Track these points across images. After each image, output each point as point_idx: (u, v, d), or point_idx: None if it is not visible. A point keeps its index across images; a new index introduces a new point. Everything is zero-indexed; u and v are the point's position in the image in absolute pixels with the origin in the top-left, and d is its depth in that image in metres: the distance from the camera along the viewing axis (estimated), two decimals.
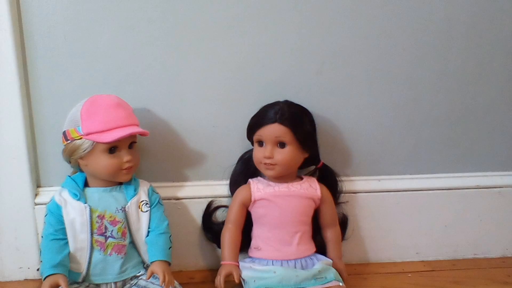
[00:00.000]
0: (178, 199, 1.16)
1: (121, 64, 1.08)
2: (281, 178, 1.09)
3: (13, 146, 1.07)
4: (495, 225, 1.27)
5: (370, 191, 1.21)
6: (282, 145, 1.05)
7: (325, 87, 1.15)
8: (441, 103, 1.19)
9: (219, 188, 1.17)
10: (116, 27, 1.06)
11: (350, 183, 1.20)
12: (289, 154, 1.05)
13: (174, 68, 1.10)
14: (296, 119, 1.04)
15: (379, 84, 1.16)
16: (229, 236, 1.08)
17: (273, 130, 1.04)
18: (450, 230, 1.26)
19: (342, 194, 1.17)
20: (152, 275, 0.98)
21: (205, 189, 1.17)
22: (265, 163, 1.06)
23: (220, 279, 1.02)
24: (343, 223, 1.18)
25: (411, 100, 1.18)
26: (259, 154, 1.06)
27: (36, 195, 1.12)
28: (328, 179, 1.14)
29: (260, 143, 1.07)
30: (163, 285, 0.95)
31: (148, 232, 1.04)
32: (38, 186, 1.13)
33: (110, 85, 1.08)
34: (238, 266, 1.05)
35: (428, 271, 1.23)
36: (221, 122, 1.13)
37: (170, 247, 1.03)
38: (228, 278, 1.04)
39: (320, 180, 1.13)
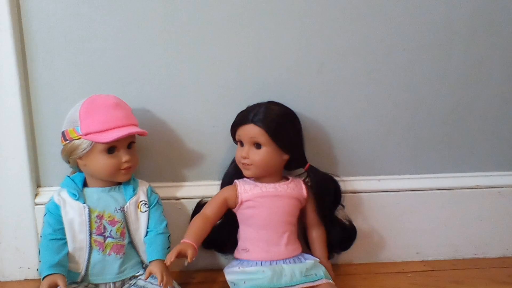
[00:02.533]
0: (177, 199, 1.16)
1: (121, 64, 1.08)
2: (266, 178, 1.09)
3: (13, 146, 1.07)
4: (495, 225, 1.27)
5: (370, 191, 1.21)
6: (258, 145, 1.05)
7: (325, 87, 1.15)
8: (441, 103, 1.19)
9: (219, 189, 1.16)
10: (116, 27, 1.06)
11: (350, 183, 1.20)
12: (264, 155, 1.04)
13: (174, 68, 1.10)
14: (272, 120, 1.03)
15: (379, 84, 1.16)
16: (200, 222, 1.04)
17: (248, 131, 1.04)
18: (450, 230, 1.26)
19: (343, 195, 1.15)
20: (150, 275, 0.97)
21: (205, 189, 1.17)
22: (242, 163, 1.07)
23: (172, 253, 0.96)
24: (351, 231, 1.16)
25: (411, 100, 1.18)
26: (238, 154, 1.08)
27: (36, 195, 1.12)
28: (317, 181, 1.10)
29: (242, 143, 1.07)
30: (161, 285, 0.94)
31: (147, 232, 1.04)
32: (38, 186, 1.13)
33: (110, 85, 1.08)
34: (196, 249, 1.00)
35: (428, 271, 1.23)
36: (221, 122, 1.13)
37: (168, 247, 1.03)
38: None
39: (312, 182, 1.11)
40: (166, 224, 1.06)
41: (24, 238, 1.12)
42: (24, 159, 1.08)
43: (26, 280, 1.15)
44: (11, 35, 1.01)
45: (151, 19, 1.06)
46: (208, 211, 1.07)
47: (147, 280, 0.99)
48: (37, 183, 1.13)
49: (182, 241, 1.00)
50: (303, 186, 1.11)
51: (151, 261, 1.00)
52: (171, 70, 1.10)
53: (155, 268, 0.96)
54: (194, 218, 1.06)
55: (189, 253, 0.96)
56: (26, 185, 1.10)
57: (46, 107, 1.08)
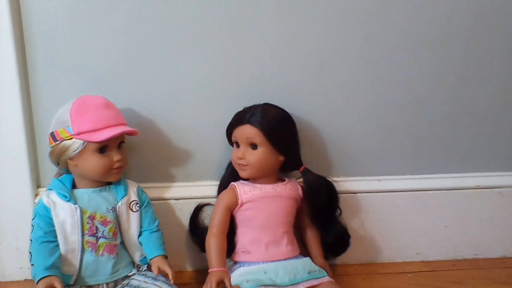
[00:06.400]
0: (177, 199, 1.16)
1: (121, 64, 1.08)
2: (263, 179, 1.09)
3: (13, 146, 1.07)
4: (495, 225, 1.27)
5: (370, 191, 1.21)
6: (254, 146, 1.05)
7: (325, 87, 1.15)
8: (441, 103, 1.19)
9: (217, 190, 1.16)
10: (115, 27, 1.06)
11: (350, 184, 1.20)
12: (260, 156, 1.05)
13: (174, 69, 1.10)
14: (268, 121, 1.04)
15: (379, 84, 1.16)
16: (215, 241, 1.04)
17: (244, 131, 1.05)
18: (450, 230, 1.26)
19: (341, 196, 1.15)
20: (159, 270, 0.99)
21: (204, 189, 1.17)
22: (238, 164, 1.07)
23: (212, 285, 0.98)
24: (344, 238, 1.14)
25: (411, 100, 1.18)
26: (234, 155, 1.08)
27: (36, 195, 1.11)
28: (310, 183, 1.09)
29: (237, 144, 1.07)
30: (172, 280, 0.98)
31: (141, 232, 1.04)
32: (38, 186, 1.13)
33: (110, 85, 1.08)
34: (227, 272, 1.02)
35: (428, 271, 1.23)
36: (221, 122, 1.13)
37: (164, 243, 1.05)
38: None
39: (305, 184, 1.10)
40: (158, 223, 1.07)
41: (24, 238, 1.11)
42: (24, 159, 1.08)
43: (26, 280, 1.15)
44: (11, 35, 1.01)
45: (151, 19, 1.06)
46: (216, 228, 1.05)
47: (142, 280, 1.00)
48: (37, 183, 1.13)
49: (212, 270, 1.01)
50: (298, 186, 1.12)
51: (154, 257, 1.01)
52: (171, 70, 1.10)
53: (163, 265, 0.99)
54: (207, 240, 1.05)
55: (226, 280, 0.99)
56: (26, 185, 1.10)
57: (46, 107, 1.08)
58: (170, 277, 0.97)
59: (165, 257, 1.02)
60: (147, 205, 1.06)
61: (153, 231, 1.05)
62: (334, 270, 1.14)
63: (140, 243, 1.04)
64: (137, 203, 1.04)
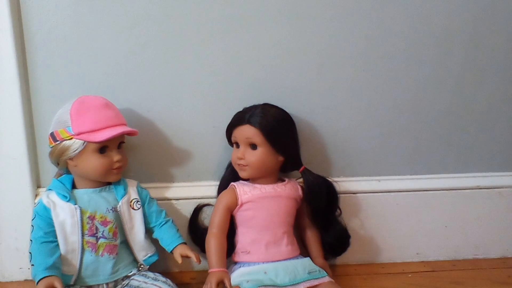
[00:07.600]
0: (177, 199, 1.16)
1: (121, 64, 1.08)
2: (263, 179, 1.09)
3: (13, 146, 1.07)
4: (495, 225, 1.27)
5: (370, 191, 1.21)
6: (253, 146, 1.05)
7: (325, 87, 1.15)
8: (441, 103, 1.19)
9: (217, 190, 1.16)
10: (115, 28, 1.06)
11: (349, 184, 1.20)
12: (259, 156, 1.05)
13: (174, 69, 1.10)
14: (268, 121, 1.04)
15: (379, 84, 1.16)
16: (215, 241, 1.04)
17: (243, 131, 1.05)
18: (450, 230, 1.26)
19: (341, 196, 1.14)
20: (183, 257, 1.02)
21: (204, 189, 1.17)
22: (238, 164, 1.07)
23: (212, 286, 0.98)
24: (344, 238, 1.14)
25: (411, 100, 1.18)
26: (234, 155, 1.08)
27: (36, 195, 1.11)
28: (310, 184, 1.09)
29: (237, 144, 1.08)
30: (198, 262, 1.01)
31: (152, 228, 1.06)
32: (38, 186, 1.13)
33: (110, 85, 1.08)
34: (227, 272, 1.03)
35: (428, 271, 1.23)
36: (221, 123, 1.13)
37: (177, 230, 1.07)
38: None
39: (305, 185, 1.10)
40: (165, 213, 1.08)
41: (24, 239, 1.11)
42: (24, 159, 1.08)
43: (26, 280, 1.15)
44: (11, 36, 1.01)
45: (150, 19, 1.06)
46: (216, 228, 1.06)
47: (141, 280, 1.01)
48: (37, 184, 1.13)
49: (212, 270, 1.02)
50: (298, 186, 1.12)
51: (175, 247, 1.03)
52: (171, 70, 1.10)
53: (184, 250, 1.02)
54: (207, 240, 1.05)
55: (226, 280, 1.00)
56: (26, 185, 1.10)
57: (46, 107, 1.08)
58: (194, 259, 1.00)
59: (184, 243, 1.04)
60: (149, 201, 1.07)
61: (163, 224, 1.06)
62: (334, 270, 1.15)
63: (158, 239, 1.05)
64: (138, 201, 1.04)
